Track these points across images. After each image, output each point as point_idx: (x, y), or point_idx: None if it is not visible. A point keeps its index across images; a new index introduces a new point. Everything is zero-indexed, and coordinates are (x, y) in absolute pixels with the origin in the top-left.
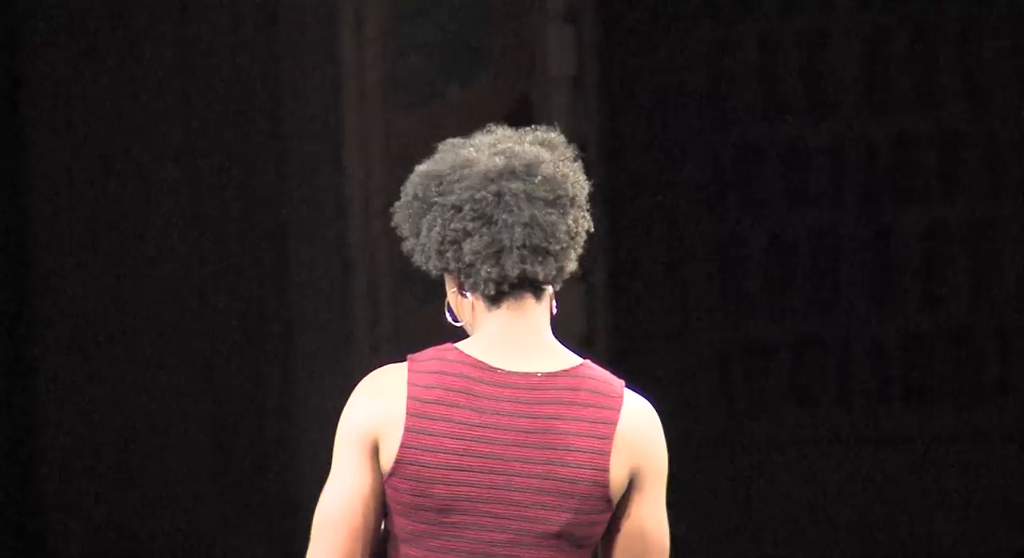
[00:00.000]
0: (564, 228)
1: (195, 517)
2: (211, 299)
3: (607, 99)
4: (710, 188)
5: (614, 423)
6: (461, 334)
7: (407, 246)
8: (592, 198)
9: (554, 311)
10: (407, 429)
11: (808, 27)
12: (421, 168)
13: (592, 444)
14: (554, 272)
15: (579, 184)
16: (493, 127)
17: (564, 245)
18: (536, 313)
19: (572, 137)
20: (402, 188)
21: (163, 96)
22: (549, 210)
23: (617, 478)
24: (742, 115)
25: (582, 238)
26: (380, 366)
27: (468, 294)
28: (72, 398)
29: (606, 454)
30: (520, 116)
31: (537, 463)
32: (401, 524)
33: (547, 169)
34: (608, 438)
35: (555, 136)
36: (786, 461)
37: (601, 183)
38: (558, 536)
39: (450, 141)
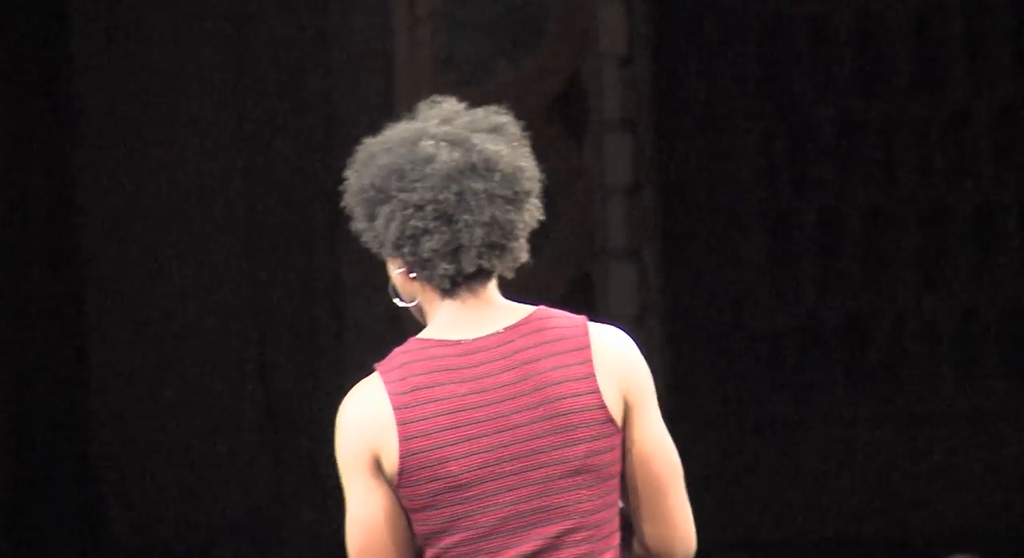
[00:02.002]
0: (521, 224)
1: (250, 496)
2: (263, 282)
3: (658, 77)
4: (762, 166)
5: (587, 347)
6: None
7: (357, 227)
8: (643, 177)
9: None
10: (400, 424)
11: (860, 4)
12: (381, 160)
13: (575, 371)
14: (509, 264)
15: (534, 176)
16: (438, 99)
17: (520, 239)
18: (488, 289)
19: (622, 115)
20: (353, 167)
21: (214, 80)
22: (508, 208)
23: (611, 397)
24: (794, 92)
25: (532, 227)
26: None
27: (416, 278)
28: (125, 381)
29: (591, 377)
30: (570, 94)
31: (534, 407)
32: (427, 518)
33: (505, 165)
34: (587, 362)
35: (506, 120)
36: (839, 440)
37: (651, 162)
38: (579, 472)
39: (402, 127)
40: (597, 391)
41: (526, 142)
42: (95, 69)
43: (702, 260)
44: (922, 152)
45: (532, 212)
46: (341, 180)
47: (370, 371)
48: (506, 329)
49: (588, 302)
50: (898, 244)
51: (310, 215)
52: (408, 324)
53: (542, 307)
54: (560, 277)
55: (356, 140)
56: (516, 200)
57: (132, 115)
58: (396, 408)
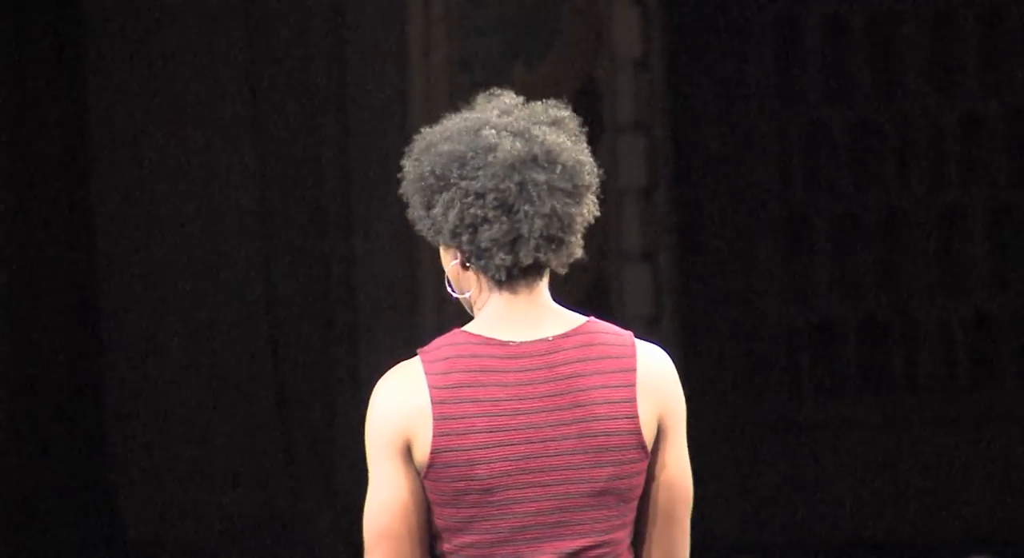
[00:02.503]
0: (580, 217)
1: (263, 495)
2: (276, 280)
3: (672, 80)
4: (776, 168)
5: (633, 370)
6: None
7: (413, 215)
8: (657, 179)
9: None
10: (436, 418)
11: (875, 7)
12: (442, 148)
13: (617, 394)
14: (564, 259)
15: (593, 171)
16: (497, 91)
17: (577, 233)
18: (540, 287)
19: (636, 118)
20: (410, 155)
21: (229, 80)
22: (568, 201)
23: (647, 424)
24: (808, 95)
25: (588, 222)
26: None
27: (472, 268)
28: (139, 380)
29: (632, 401)
30: (584, 96)
31: (569, 424)
32: (447, 514)
33: (567, 158)
34: (631, 385)
35: (565, 114)
36: (852, 441)
37: (665, 164)
38: (603, 493)
39: (461, 116)
40: (635, 416)
41: (584, 137)
42: (109, 66)
43: (716, 262)
44: (937, 155)
45: (590, 207)
46: (355, 177)
47: (384, 369)
48: (555, 337)
49: (603, 303)
50: (913, 246)
51: (324, 214)
52: (419, 321)
53: (592, 319)
54: (575, 279)
55: (370, 140)
56: (576, 193)
57: (148, 106)
58: (435, 401)
